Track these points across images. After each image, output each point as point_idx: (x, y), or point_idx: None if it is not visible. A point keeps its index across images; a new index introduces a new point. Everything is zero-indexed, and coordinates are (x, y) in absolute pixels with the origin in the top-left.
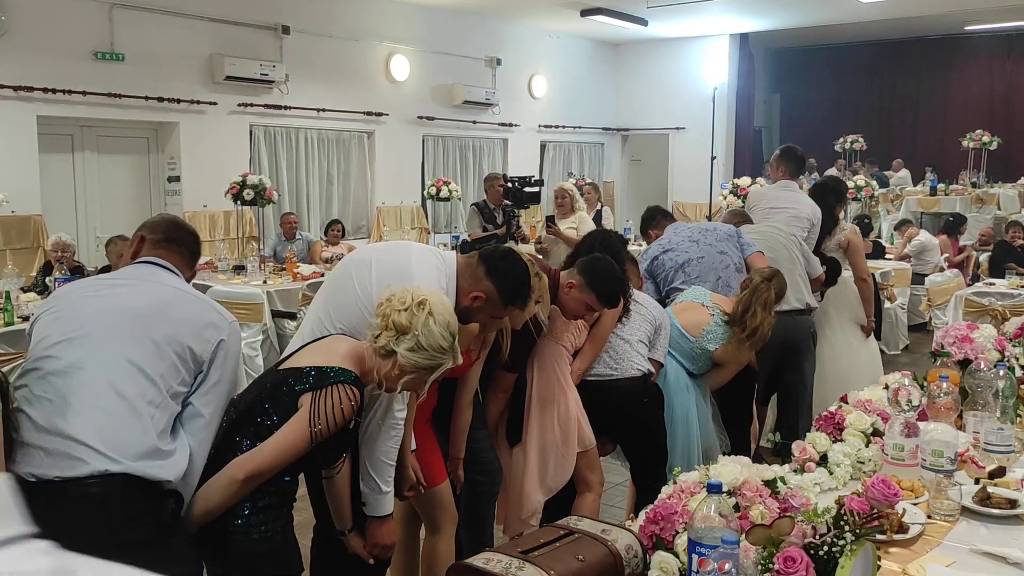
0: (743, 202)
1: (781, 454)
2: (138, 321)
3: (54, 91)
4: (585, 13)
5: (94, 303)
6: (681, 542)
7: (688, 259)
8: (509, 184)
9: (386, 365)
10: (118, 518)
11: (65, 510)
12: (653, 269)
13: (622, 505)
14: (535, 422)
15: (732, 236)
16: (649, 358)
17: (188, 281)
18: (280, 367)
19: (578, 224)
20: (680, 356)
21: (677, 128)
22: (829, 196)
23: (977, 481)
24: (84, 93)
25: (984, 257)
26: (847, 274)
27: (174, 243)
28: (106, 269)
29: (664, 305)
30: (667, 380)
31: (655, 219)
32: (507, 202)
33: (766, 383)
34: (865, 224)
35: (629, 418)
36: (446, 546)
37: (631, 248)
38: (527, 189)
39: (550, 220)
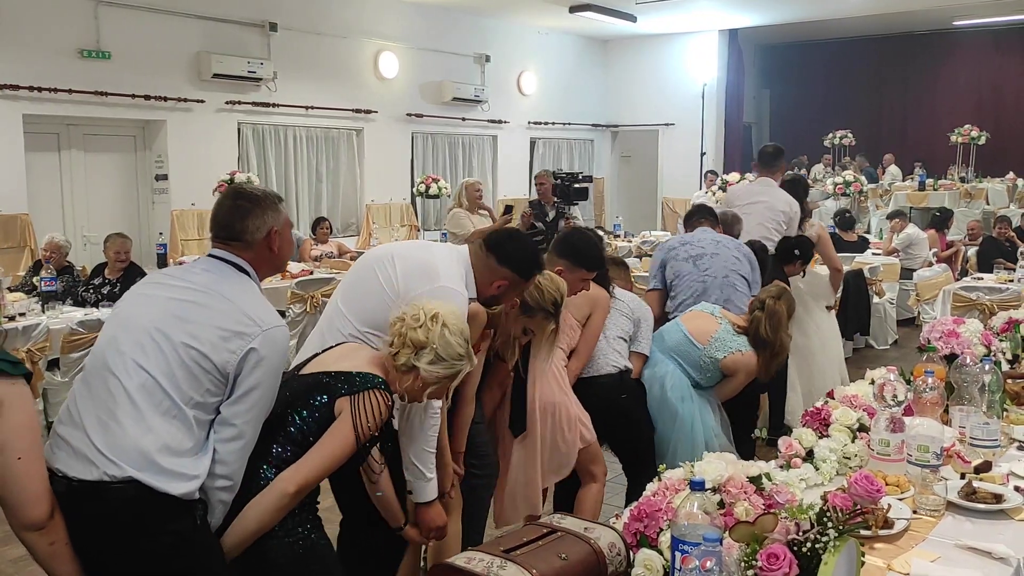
0: None
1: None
2: (161, 329)
3: (40, 89)
4: (574, 9)
5: (138, 304)
6: (666, 539)
7: (703, 254)
8: (557, 181)
9: (408, 379)
10: (137, 527)
11: (90, 515)
12: (667, 258)
13: (614, 503)
14: (537, 425)
15: (752, 258)
16: (633, 351)
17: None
18: (301, 372)
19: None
20: (687, 364)
21: (667, 124)
22: (800, 190)
23: (963, 476)
24: (70, 91)
25: (972, 252)
26: (822, 268)
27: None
28: (101, 267)
29: (668, 303)
30: (666, 389)
31: (695, 216)
32: (556, 199)
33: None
34: (847, 218)
35: (607, 414)
36: (453, 529)
37: (620, 244)
38: (575, 186)
39: (569, 216)
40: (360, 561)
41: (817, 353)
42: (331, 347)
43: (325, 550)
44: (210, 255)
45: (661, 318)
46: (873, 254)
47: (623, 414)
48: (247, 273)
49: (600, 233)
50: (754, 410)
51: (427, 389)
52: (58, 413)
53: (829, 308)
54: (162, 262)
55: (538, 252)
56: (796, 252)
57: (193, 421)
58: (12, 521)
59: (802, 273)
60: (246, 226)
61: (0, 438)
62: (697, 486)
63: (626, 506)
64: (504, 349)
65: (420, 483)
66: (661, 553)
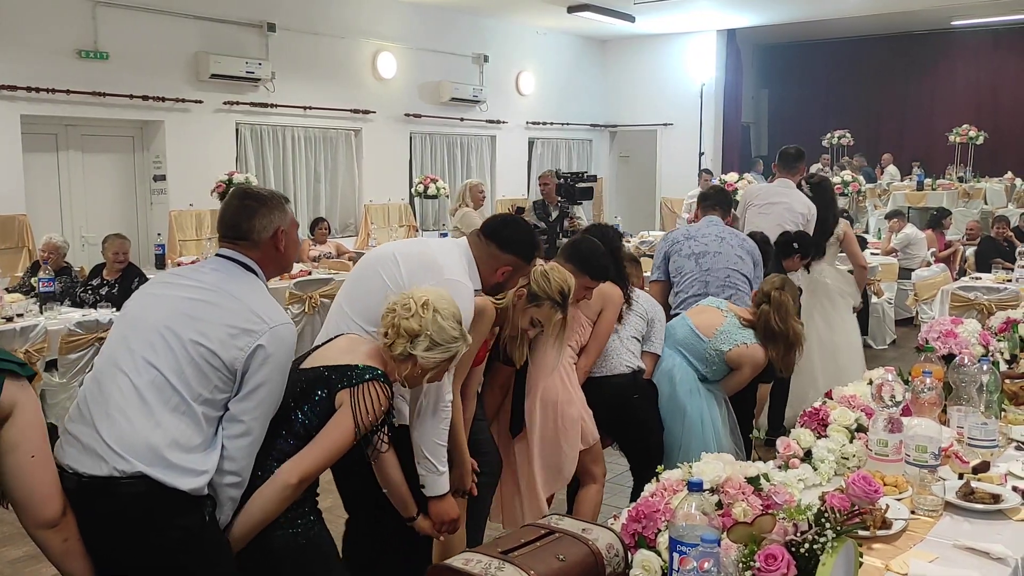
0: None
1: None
2: (171, 327)
3: (37, 90)
4: (572, 9)
5: (148, 304)
6: (664, 540)
7: (706, 251)
8: (561, 180)
9: (406, 368)
10: (146, 522)
11: (101, 511)
12: (670, 251)
13: (614, 503)
14: (539, 421)
15: (756, 254)
16: (645, 351)
17: (273, 276)
18: (302, 366)
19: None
20: (693, 358)
21: (665, 124)
22: (828, 194)
23: (961, 476)
24: (68, 92)
25: (970, 252)
26: (843, 267)
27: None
28: (99, 268)
29: (669, 295)
30: (675, 384)
31: (709, 200)
32: (561, 199)
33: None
34: (845, 218)
35: (619, 414)
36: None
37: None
38: (580, 185)
39: (573, 216)
40: (368, 559)
41: (842, 350)
42: (330, 340)
43: (328, 545)
44: (218, 255)
45: (664, 309)
46: (871, 254)
47: (635, 414)
48: (254, 272)
49: (619, 230)
50: (751, 407)
51: (426, 374)
52: (67, 412)
53: (855, 308)
54: (160, 263)
55: (535, 232)
56: (795, 246)
57: (202, 417)
58: (25, 520)
59: (806, 270)
60: (253, 225)
61: (13, 438)
62: (695, 487)
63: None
64: (512, 344)
65: (432, 477)
66: (659, 554)
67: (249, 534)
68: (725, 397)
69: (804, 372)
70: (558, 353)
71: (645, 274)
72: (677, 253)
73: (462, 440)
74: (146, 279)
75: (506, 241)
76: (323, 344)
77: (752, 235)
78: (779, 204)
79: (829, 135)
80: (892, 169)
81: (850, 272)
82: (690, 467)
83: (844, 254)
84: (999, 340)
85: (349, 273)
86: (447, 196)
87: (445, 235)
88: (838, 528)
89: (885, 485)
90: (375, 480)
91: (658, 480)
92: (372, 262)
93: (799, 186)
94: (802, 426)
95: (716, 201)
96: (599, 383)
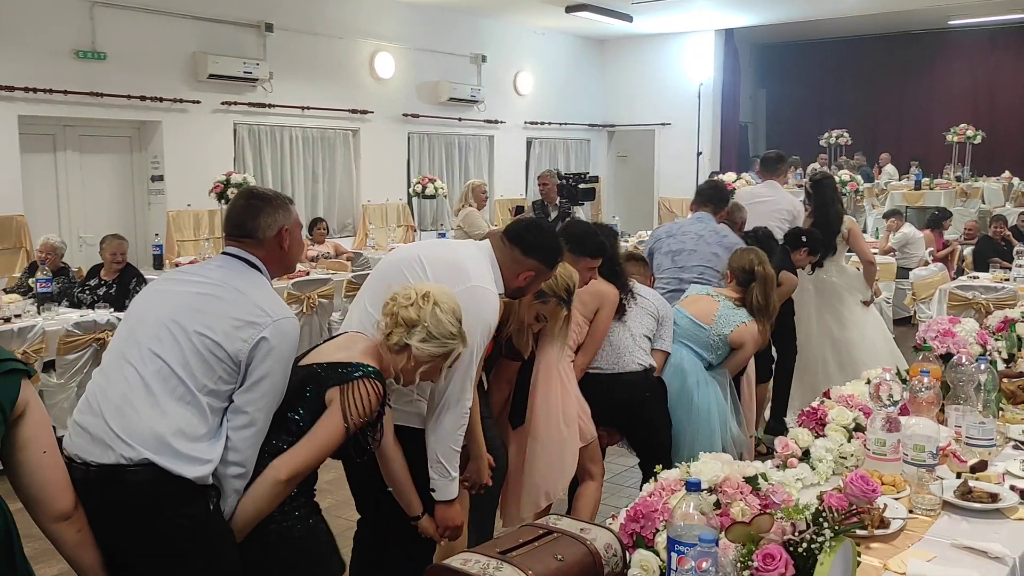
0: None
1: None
2: (177, 320)
3: (35, 90)
4: (570, 9)
5: (155, 300)
6: (662, 540)
7: (682, 249)
8: (562, 181)
9: (401, 360)
10: (153, 510)
11: (109, 500)
12: (654, 248)
13: (612, 503)
14: (539, 421)
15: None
16: (655, 349)
17: (278, 274)
18: (299, 363)
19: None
20: (699, 347)
21: (663, 124)
22: (829, 191)
23: (959, 475)
24: (66, 92)
25: (968, 251)
26: (849, 266)
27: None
28: (97, 268)
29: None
30: (685, 376)
31: (701, 197)
32: (562, 199)
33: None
34: None
35: (630, 412)
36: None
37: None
38: (582, 186)
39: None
40: (375, 557)
41: (857, 345)
42: (330, 338)
43: (324, 537)
44: (223, 252)
45: None
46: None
47: (643, 412)
48: (258, 269)
49: (615, 229)
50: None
51: (420, 368)
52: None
53: (866, 303)
54: (158, 263)
55: (558, 238)
56: (803, 239)
57: (207, 408)
58: (40, 514)
59: (809, 268)
60: (258, 224)
61: (26, 435)
62: (693, 486)
63: None
64: (518, 338)
65: (444, 481)
66: (657, 554)
67: (244, 529)
68: (730, 383)
69: (818, 370)
70: (561, 348)
71: None
72: (658, 250)
73: (479, 434)
74: (144, 279)
75: (529, 246)
76: (323, 342)
77: (755, 230)
78: (764, 204)
79: (827, 135)
80: (890, 168)
81: (856, 269)
82: (688, 467)
83: (850, 253)
84: (997, 339)
85: (372, 273)
86: (445, 196)
87: (443, 235)
88: (836, 527)
89: (883, 484)
90: (378, 480)
91: (656, 480)
92: (397, 263)
93: (806, 186)
94: (800, 425)
95: (708, 197)
96: (611, 380)
